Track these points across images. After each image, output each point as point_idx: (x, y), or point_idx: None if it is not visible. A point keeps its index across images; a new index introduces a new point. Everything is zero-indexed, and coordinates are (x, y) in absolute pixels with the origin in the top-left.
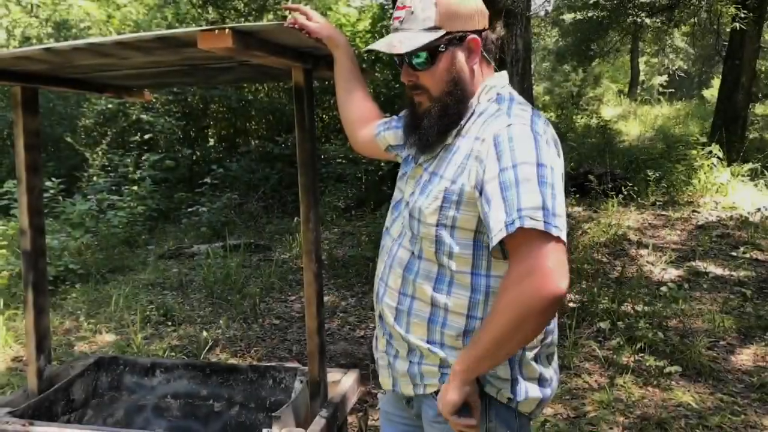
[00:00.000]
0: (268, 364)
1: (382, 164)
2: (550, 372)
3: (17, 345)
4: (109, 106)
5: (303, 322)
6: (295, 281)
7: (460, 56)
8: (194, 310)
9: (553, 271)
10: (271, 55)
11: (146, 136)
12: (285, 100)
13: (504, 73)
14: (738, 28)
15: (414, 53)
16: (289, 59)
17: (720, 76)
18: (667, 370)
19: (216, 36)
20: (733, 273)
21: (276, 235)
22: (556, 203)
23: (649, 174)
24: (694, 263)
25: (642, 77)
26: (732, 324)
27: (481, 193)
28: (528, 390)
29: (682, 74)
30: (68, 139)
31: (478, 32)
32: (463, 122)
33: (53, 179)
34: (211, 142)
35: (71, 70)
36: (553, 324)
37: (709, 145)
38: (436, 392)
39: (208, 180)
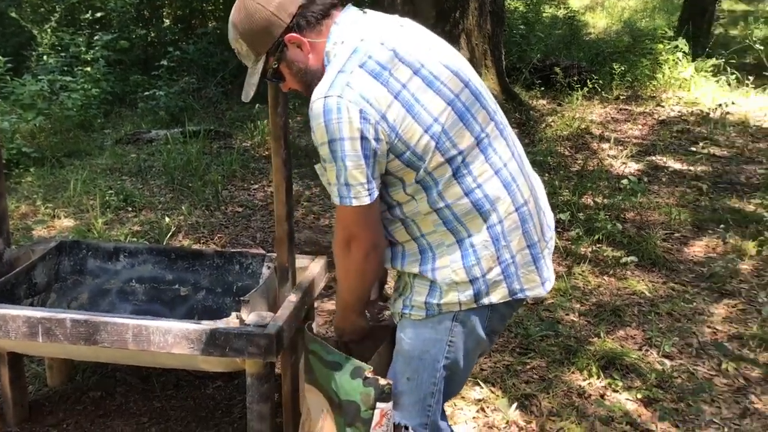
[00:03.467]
0: (235, 249)
1: None
2: (508, 252)
3: None
4: None
5: (266, 210)
6: (257, 169)
7: (294, 54)
8: (154, 196)
9: (354, 238)
10: None
11: (98, 15)
12: None
13: (343, 18)
14: None
15: (265, 82)
16: None
17: None
18: (623, 260)
19: None
20: (691, 168)
21: (237, 122)
22: (347, 173)
23: (615, 67)
24: (654, 158)
25: None
26: (687, 217)
27: None
28: (489, 283)
29: None
30: (13, 15)
31: (288, 27)
32: None
33: None
34: (167, 22)
35: None
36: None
37: (676, 39)
38: None
39: (165, 63)
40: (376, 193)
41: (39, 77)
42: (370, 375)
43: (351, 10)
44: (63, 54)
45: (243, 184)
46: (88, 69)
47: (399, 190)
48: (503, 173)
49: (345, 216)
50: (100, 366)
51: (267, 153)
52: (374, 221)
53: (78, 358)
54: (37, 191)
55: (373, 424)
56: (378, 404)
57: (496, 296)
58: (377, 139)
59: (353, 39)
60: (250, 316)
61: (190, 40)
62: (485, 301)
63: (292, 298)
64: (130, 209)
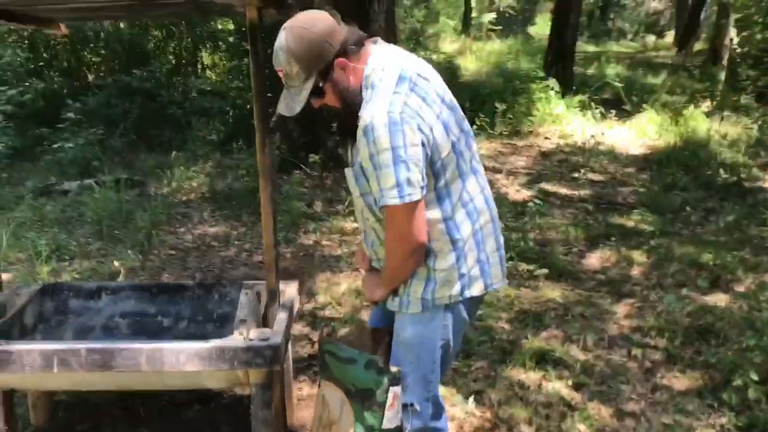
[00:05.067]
0: (214, 280)
1: (251, 97)
2: (485, 254)
3: None
4: None
5: (199, 251)
6: (180, 214)
7: (338, 75)
8: (84, 246)
9: (411, 231)
10: None
11: None
12: (138, 30)
13: (375, 49)
14: None
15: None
16: None
17: (543, 15)
18: (536, 273)
19: None
20: (576, 192)
21: (156, 170)
22: (410, 173)
23: (497, 106)
24: (542, 185)
25: (474, 14)
26: (580, 233)
27: (362, 168)
28: (471, 279)
29: (511, 11)
30: None
31: (338, 53)
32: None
33: None
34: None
35: None
36: (461, 226)
37: (547, 79)
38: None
39: (71, 115)
40: (424, 191)
41: None
42: (382, 365)
43: (380, 43)
44: None
45: (170, 229)
46: None
47: None
48: (485, 191)
49: (398, 215)
50: (82, 402)
51: (186, 199)
52: (422, 218)
53: (85, 387)
54: None
55: (387, 405)
56: (391, 388)
57: (476, 290)
58: (427, 147)
59: (393, 66)
60: (251, 333)
61: (89, 92)
62: (467, 294)
63: (282, 315)
64: (66, 258)
